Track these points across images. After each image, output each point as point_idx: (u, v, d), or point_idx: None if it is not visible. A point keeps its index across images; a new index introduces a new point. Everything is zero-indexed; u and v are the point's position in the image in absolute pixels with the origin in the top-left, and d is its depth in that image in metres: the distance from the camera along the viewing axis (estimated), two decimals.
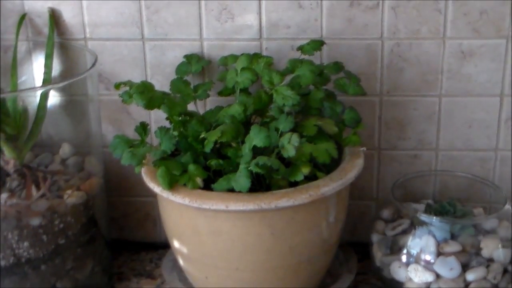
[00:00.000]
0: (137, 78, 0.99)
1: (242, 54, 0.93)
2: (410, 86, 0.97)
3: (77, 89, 0.94)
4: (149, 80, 1.00)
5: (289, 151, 0.82)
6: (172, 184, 0.85)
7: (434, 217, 0.91)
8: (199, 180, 0.86)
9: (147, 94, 0.85)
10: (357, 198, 1.04)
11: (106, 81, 1.02)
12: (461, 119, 0.99)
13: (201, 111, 0.95)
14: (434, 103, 0.98)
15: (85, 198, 0.94)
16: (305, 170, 0.84)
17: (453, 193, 1.01)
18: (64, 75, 1.01)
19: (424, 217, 0.91)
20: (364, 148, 0.90)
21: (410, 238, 0.92)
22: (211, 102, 1.00)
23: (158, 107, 0.86)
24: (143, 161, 0.86)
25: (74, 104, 0.97)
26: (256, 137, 0.83)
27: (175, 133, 0.88)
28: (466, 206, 0.97)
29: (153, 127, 1.00)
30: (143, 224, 1.12)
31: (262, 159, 0.81)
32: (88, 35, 1.00)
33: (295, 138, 0.82)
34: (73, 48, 1.00)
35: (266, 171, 0.82)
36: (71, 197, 0.93)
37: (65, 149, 1.00)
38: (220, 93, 0.95)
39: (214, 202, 0.82)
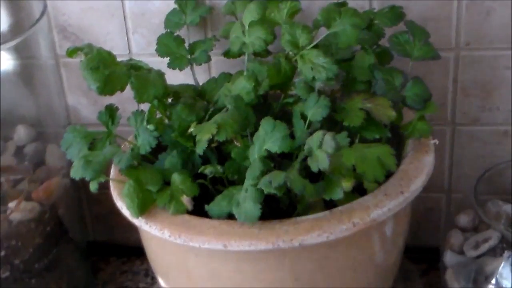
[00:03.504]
0: (115, 33, 0.82)
1: (252, 0, 0.68)
2: (501, 36, 0.79)
3: (27, 50, 0.77)
4: (130, 35, 0.82)
5: (320, 162, 0.55)
6: (145, 207, 0.62)
7: None
8: (186, 201, 0.61)
9: (102, 71, 0.59)
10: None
11: (74, 38, 0.84)
12: None
13: (203, 80, 0.75)
14: None
15: (37, 210, 0.75)
16: (347, 185, 0.60)
17: None
18: (13, 31, 0.81)
19: None
20: (436, 141, 0.68)
21: (502, 264, 0.72)
22: (219, 64, 0.79)
23: (121, 90, 0.60)
24: (106, 169, 0.63)
25: (25, 70, 0.80)
26: (269, 138, 0.59)
27: (151, 127, 0.61)
28: None
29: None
30: None
31: (277, 178, 0.54)
32: None
33: (329, 142, 0.55)
34: None
35: (284, 193, 0.55)
36: (17, 212, 0.72)
37: (21, 133, 0.83)
38: (226, 54, 0.74)
39: (207, 239, 0.57)
